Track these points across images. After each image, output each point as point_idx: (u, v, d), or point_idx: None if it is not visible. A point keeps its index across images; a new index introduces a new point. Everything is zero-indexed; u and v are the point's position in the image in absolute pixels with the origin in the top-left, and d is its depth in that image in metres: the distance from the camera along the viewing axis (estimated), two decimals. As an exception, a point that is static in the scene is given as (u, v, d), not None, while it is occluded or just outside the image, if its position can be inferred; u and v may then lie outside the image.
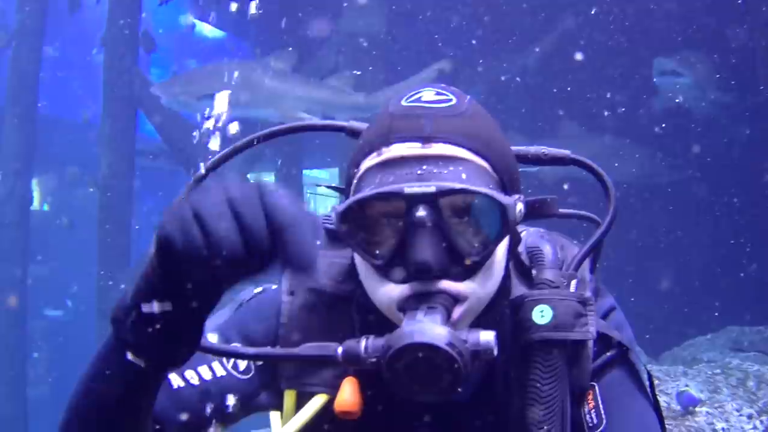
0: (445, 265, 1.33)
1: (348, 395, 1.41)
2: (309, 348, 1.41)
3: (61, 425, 1.39)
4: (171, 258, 1.06)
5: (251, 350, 1.47)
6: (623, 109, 8.90)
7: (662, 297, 8.49)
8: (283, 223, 1.06)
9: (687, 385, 4.98)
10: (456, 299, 1.35)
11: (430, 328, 1.26)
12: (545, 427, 1.42)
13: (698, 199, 9.06)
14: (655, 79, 8.58)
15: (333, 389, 1.46)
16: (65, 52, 17.37)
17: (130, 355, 1.19)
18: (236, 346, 1.50)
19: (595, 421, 1.48)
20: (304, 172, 12.51)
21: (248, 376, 1.55)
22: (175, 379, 1.50)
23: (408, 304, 1.34)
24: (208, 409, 1.49)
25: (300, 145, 11.01)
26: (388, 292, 1.38)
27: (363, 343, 1.32)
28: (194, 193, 1.08)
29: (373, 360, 1.30)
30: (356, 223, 1.39)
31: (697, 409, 4.84)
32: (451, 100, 1.43)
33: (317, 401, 1.49)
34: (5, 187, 11.37)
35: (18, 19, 11.31)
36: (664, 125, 8.80)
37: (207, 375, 1.53)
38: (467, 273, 1.36)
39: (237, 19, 11.66)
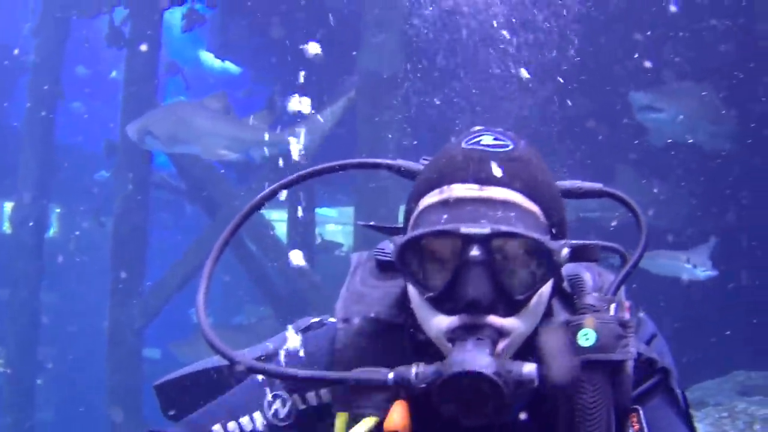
0: (493, 302, 1.44)
1: (398, 417, 1.49)
2: (361, 372, 1.51)
3: None
4: None
5: (306, 373, 1.56)
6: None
7: (671, 339, 8.36)
8: None
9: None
10: (501, 333, 1.46)
11: (479, 358, 1.38)
12: None
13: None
14: (637, 116, 7.93)
15: (383, 412, 1.52)
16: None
17: None
18: (294, 369, 1.59)
19: None
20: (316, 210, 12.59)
21: (288, 423, 1.66)
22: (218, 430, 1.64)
23: (457, 335, 1.45)
24: None
25: (313, 183, 11.02)
26: (438, 322, 1.49)
27: (414, 369, 1.44)
28: None
29: (423, 386, 1.42)
30: (413, 256, 1.50)
31: (706, 451, 4.87)
32: (508, 145, 1.54)
33: (367, 423, 1.55)
34: (20, 212, 11.39)
35: (36, 45, 11.34)
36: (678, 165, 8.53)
37: (248, 426, 1.65)
38: (513, 309, 1.47)
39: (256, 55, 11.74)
